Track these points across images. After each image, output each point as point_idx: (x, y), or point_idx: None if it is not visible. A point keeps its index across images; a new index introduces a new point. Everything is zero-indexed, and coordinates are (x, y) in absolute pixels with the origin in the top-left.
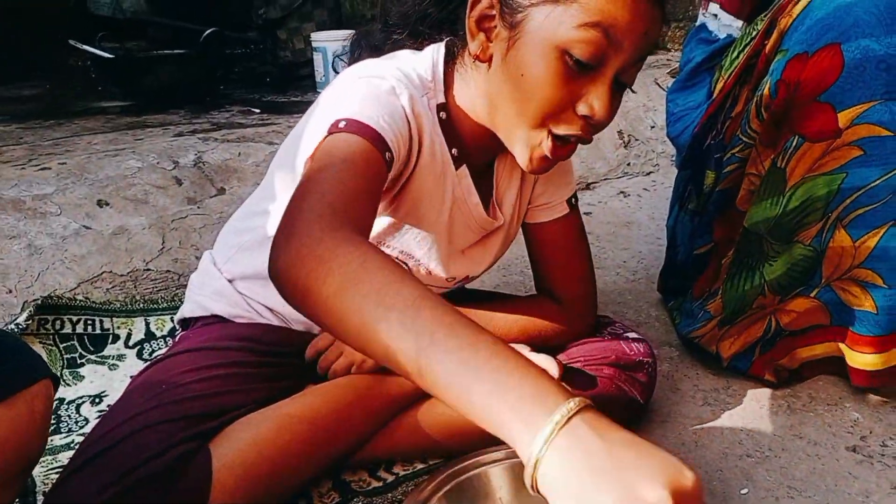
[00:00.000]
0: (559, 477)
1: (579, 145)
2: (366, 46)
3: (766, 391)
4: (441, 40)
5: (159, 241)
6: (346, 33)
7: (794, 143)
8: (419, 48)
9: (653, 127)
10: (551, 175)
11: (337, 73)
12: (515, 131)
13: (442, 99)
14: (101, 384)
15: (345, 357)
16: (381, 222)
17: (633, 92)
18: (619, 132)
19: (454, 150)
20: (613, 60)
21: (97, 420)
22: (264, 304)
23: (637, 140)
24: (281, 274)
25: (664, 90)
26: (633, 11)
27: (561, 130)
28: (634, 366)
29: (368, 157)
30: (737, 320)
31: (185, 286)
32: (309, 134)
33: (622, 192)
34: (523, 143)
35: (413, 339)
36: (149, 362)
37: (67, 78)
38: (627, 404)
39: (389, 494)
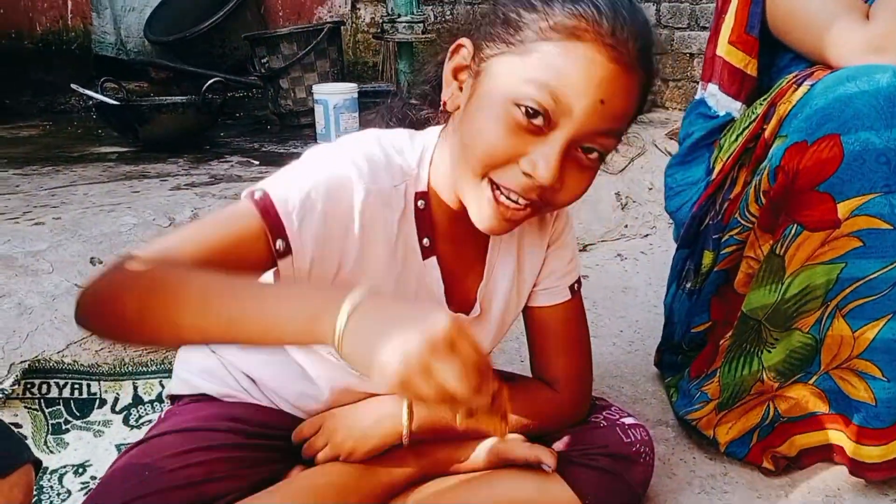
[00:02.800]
0: (358, 338)
1: (574, 207)
2: (389, 116)
3: (764, 479)
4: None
5: None
6: (348, 86)
7: (792, 231)
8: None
9: (650, 189)
10: (554, 260)
11: (339, 126)
12: (462, 184)
13: (423, 187)
14: (85, 452)
15: (330, 448)
16: None
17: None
18: (617, 193)
19: (425, 241)
20: (565, 125)
21: (84, 494)
22: (247, 373)
23: (634, 202)
24: (79, 298)
25: (662, 151)
26: (586, 78)
27: (500, 181)
28: (631, 455)
29: (249, 233)
30: (735, 405)
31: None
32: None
33: (619, 255)
34: (471, 197)
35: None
36: (135, 442)
37: (67, 118)
38: (624, 495)
39: None
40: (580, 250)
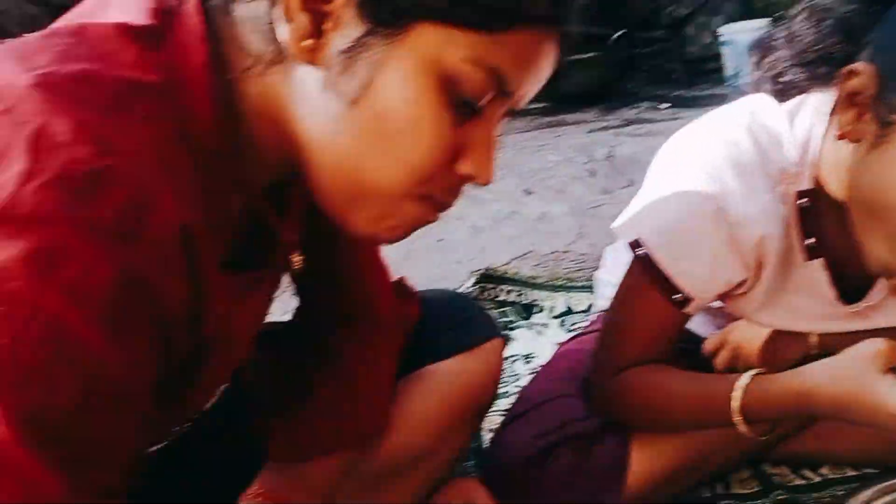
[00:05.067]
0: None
1: None
2: (770, 82)
3: None
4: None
5: (576, 226)
6: (758, 24)
7: None
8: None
9: None
10: None
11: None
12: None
13: (806, 185)
14: (530, 346)
15: (728, 351)
16: None
17: None
18: None
19: (811, 241)
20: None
21: (529, 377)
22: None
23: None
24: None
25: None
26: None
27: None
28: None
29: (659, 315)
30: None
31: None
32: (640, 200)
33: None
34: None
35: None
36: (573, 333)
37: None
38: None
39: (815, 495)
40: None
